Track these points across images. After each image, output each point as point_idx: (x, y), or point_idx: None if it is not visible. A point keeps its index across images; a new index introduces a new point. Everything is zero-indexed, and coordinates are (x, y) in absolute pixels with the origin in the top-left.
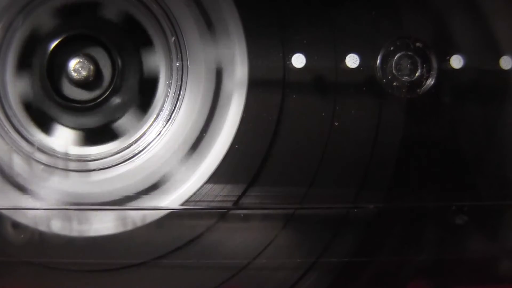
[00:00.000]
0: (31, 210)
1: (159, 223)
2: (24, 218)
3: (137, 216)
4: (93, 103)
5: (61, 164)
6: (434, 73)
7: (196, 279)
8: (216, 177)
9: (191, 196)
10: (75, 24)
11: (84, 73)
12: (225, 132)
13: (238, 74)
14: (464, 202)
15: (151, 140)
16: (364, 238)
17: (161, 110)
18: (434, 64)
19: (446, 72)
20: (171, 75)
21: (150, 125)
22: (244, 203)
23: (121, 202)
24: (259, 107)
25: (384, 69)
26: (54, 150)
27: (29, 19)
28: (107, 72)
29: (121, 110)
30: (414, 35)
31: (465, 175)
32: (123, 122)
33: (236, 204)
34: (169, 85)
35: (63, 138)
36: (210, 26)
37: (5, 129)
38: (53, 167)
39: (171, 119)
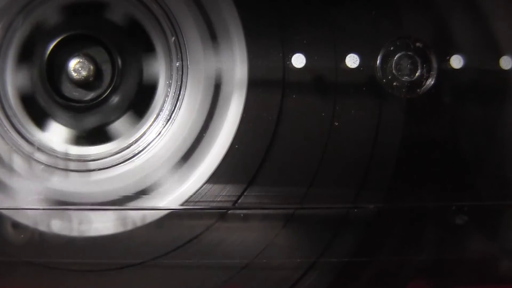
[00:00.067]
0: (31, 210)
1: (159, 223)
2: (24, 218)
3: (137, 216)
4: (92, 103)
5: (61, 164)
6: (434, 73)
7: (196, 279)
8: (216, 177)
9: (191, 196)
10: (76, 24)
11: (84, 73)
12: (225, 132)
13: (238, 74)
14: (464, 202)
15: (151, 140)
16: (364, 238)
17: (161, 110)
18: (434, 64)
19: (446, 72)
20: (171, 75)
21: (150, 125)
22: (244, 203)
23: (121, 202)
24: (259, 107)
25: (384, 69)
26: (54, 150)
27: (29, 19)
28: (107, 72)
29: (121, 110)
30: (414, 35)
31: (465, 175)
32: (123, 122)
33: (236, 204)
34: (169, 85)
35: (61, 137)
36: (210, 26)
37: (5, 129)
38: (53, 167)
39: (171, 119)
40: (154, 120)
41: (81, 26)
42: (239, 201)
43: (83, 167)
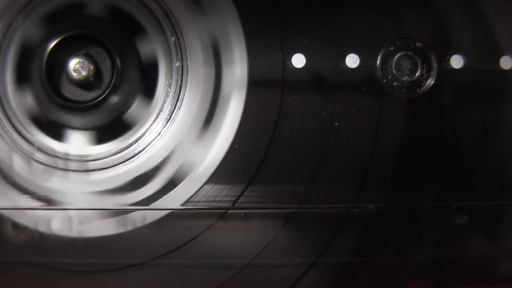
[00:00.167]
0: (31, 210)
1: (159, 223)
2: (24, 218)
3: (137, 217)
4: (92, 103)
5: (61, 164)
6: (434, 73)
7: (196, 279)
8: (216, 177)
9: (191, 196)
10: (75, 24)
11: (84, 73)
12: (225, 132)
13: (238, 74)
14: (464, 202)
15: (151, 140)
16: (364, 238)
17: (161, 110)
18: (434, 64)
19: (446, 72)
20: (171, 75)
21: (150, 125)
22: (244, 203)
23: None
24: (259, 107)
25: (384, 69)
26: (54, 150)
27: (29, 18)
28: (107, 72)
29: (121, 110)
30: (414, 35)
31: (465, 175)
32: (123, 121)
33: (236, 204)
34: (169, 85)
35: (68, 139)
36: (210, 26)
37: (5, 129)
38: (53, 167)
39: (171, 119)
40: (154, 120)
41: (81, 26)
42: (239, 201)
43: (83, 167)
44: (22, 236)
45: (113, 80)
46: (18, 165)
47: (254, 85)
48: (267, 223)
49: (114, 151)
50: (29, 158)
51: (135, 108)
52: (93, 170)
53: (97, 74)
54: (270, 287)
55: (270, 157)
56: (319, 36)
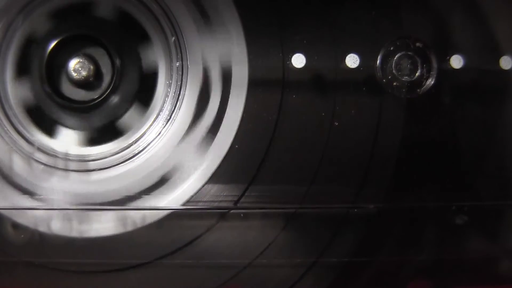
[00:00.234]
0: (31, 210)
1: (159, 224)
2: (24, 219)
3: (137, 217)
4: (93, 103)
5: (61, 164)
6: (434, 73)
7: (196, 279)
8: (216, 177)
9: (192, 196)
10: (74, 25)
11: (84, 73)
12: (225, 132)
13: (238, 74)
14: (464, 202)
15: (151, 140)
16: (364, 238)
17: (161, 110)
18: (434, 64)
19: (446, 72)
20: (171, 75)
21: (150, 125)
22: (244, 203)
23: (121, 202)
24: (259, 107)
25: (384, 69)
26: (54, 150)
27: (29, 18)
28: (107, 72)
29: (120, 110)
30: (414, 35)
31: (465, 175)
32: (123, 121)
33: (236, 204)
34: (169, 85)
35: (63, 138)
36: (210, 26)
37: (5, 129)
38: (53, 167)
39: (171, 119)
40: (154, 120)
41: (80, 26)
42: (240, 201)
43: (83, 167)
44: (22, 236)
45: (113, 81)
46: (18, 165)
47: (254, 85)
48: (267, 223)
49: (114, 151)
50: (29, 158)
51: (136, 107)
52: (93, 170)
53: (97, 74)
54: (271, 287)
55: (270, 157)
56: (319, 36)
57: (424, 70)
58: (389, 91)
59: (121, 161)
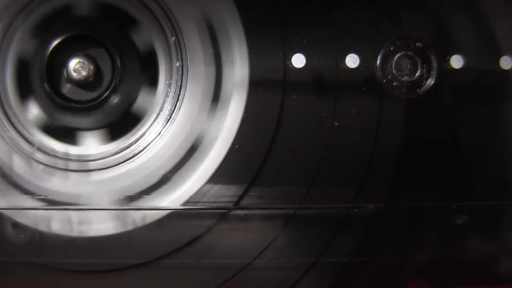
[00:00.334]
0: (31, 210)
1: (159, 224)
2: (24, 218)
3: (137, 217)
4: (93, 103)
5: (61, 164)
6: (434, 73)
7: (196, 279)
8: (216, 177)
9: (192, 196)
10: (75, 25)
11: (84, 73)
12: (225, 132)
13: (238, 74)
14: (464, 202)
15: (151, 140)
16: (364, 238)
17: (161, 110)
18: (434, 64)
19: (446, 72)
20: (171, 75)
21: (150, 125)
22: (245, 203)
23: (121, 202)
24: (259, 107)
25: (384, 69)
26: (54, 150)
27: (29, 18)
28: (107, 72)
29: (120, 110)
30: (414, 35)
31: (465, 175)
32: (122, 122)
33: (237, 204)
34: (169, 85)
35: (62, 138)
36: (210, 26)
37: (5, 129)
38: (53, 167)
39: (171, 119)
40: (154, 120)
41: (80, 26)
42: (240, 201)
43: (83, 167)
44: (22, 236)
45: (114, 78)
46: (18, 165)
47: (255, 85)
48: (267, 223)
49: (114, 151)
50: (29, 158)
51: (138, 105)
52: (93, 170)
53: (97, 73)
54: (271, 287)
55: (271, 157)
56: (319, 36)
57: (424, 70)
58: (389, 91)
59: (121, 161)
